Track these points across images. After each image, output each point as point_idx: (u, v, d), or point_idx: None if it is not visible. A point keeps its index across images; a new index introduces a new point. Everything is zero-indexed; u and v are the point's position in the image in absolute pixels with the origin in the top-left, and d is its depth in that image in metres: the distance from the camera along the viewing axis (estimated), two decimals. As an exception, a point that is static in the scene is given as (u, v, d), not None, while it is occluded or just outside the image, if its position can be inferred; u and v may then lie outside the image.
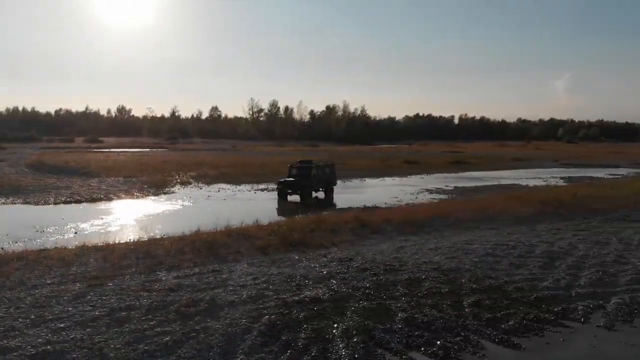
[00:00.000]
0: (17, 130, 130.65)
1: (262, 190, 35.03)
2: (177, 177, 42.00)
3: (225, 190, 35.36)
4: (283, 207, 28.44)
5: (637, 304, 10.45)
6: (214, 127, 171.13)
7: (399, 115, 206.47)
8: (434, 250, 14.44)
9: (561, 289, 11.24)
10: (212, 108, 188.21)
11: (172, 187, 36.19)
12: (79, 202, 27.92)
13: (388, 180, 45.20)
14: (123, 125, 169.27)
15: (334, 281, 11.23)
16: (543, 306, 10.23)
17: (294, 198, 30.24)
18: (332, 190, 32.38)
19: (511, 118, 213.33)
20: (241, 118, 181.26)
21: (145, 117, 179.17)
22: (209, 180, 41.18)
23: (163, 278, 11.51)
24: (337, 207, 27.31)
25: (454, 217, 20.16)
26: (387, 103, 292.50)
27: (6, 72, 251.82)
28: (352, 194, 34.16)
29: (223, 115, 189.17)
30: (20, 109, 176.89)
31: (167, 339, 8.15)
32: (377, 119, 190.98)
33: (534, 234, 17.21)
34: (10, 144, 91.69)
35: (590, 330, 9.24)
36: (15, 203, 27.36)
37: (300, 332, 8.57)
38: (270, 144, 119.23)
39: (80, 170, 44.99)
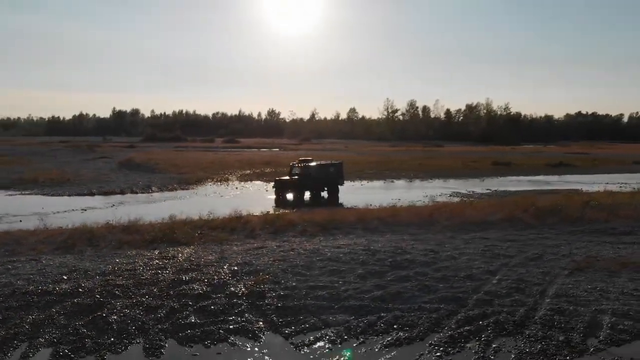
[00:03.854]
0: (167, 130, 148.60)
1: (278, 188, 35.47)
2: (224, 174, 44.11)
3: (245, 187, 36.48)
4: (259, 204, 28.11)
5: (388, 324, 9.11)
6: (350, 128, 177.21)
7: (560, 114, 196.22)
8: (286, 252, 13.62)
9: (330, 300, 10.13)
10: (350, 110, 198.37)
11: (202, 184, 38.11)
12: (92, 194, 30.71)
13: (437, 182, 43.13)
14: (271, 127, 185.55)
15: (110, 277, 11.27)
16: (273, 317, 9.40)
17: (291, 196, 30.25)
18: (337, 190, 31.67)
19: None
20: (376, 119, 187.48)
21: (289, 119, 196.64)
22: (251, 177, 42.74)
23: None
24: (328, 205, 26.68)
25: (389, 220, 18.83)
26: (549, 101, 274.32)
27: (183, 77, 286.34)
28: (368, 194, 33.06)
29: (360, 116, 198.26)
30: (184, 112, 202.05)
31: None
32: (532, 117, 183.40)
33: (439, 241, 15.46)
34: (150, 144, 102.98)
35: (272, 347, 8.36)
36: (36, 194, 30.94)
37: (-21, 320, 8.93)
38: (386, 145, 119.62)
39: (151, 167, 49.26)
